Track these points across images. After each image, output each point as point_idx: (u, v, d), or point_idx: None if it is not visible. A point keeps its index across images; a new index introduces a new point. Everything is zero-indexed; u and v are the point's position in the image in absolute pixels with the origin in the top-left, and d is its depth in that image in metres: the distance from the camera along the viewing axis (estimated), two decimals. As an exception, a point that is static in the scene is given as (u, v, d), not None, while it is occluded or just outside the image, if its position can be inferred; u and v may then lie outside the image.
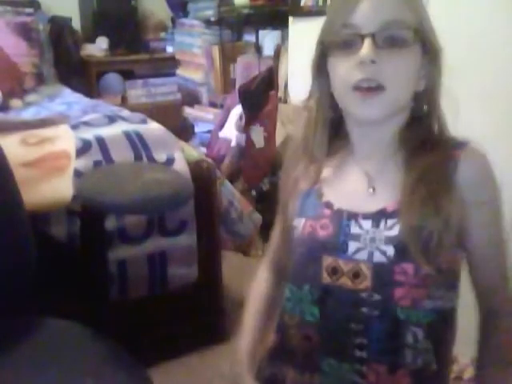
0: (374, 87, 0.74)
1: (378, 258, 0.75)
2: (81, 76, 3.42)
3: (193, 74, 3.45)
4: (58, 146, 1.68)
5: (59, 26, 3.35)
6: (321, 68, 0.81)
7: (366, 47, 0.73)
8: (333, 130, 0.85)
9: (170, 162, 1.70)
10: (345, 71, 0.76)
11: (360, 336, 0.77)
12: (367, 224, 0.77)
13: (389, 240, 0.75)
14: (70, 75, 3.26)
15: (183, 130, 3.22)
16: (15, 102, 2.68)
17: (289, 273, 0.86)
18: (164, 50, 3.74)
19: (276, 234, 0.98)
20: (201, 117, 3.41)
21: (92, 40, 3.49)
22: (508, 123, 1.59)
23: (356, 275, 0.76)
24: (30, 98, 2.77)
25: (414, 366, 0.77)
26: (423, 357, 0.77)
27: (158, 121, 1.97)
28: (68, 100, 2.68)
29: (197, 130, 3.42)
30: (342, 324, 0.78)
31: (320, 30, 0.81)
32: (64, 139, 1.73)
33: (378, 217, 0.77)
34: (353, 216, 0.78)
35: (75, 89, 2.97)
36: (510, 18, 1.55)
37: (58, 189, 1.52)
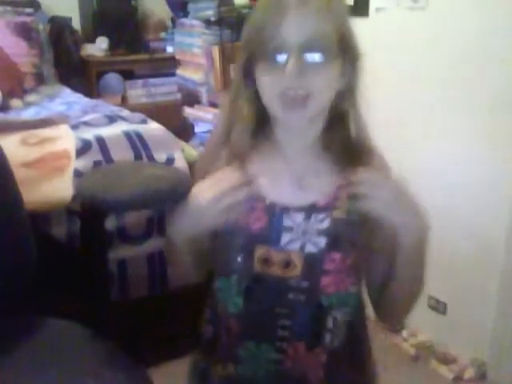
0: (300, 96, 0.77)
1: (310, 248, 0.81)
2: (81, 76, 3.41)
3: (193, 74, 3.45)
4: (58, 146, 1.69)
5: (59, 26, 3.35)
6: (248, 71, 0.83)
7: (292, 62, 0.76)
8: (256, 124, 0.86)
9: (169, 161, 1.71)
10: (272, 79, 0.79)
11: (284, 318, 0.83)
12: (299, 217, 0.81)
13: (320, 232, 0.81)
14: (70, 75, 3.26)
15: (183, 130, 3.22)
16: (15, 102, 2.68)
17: (216, 264, 0.88)
18: (164, 50, 3.74)
19: None
20: (201, 117, 3.41)
21: (92, 40, 3.49)
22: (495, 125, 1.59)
23: (287, 264, 0.82)
24: (30, 98, 2.77)
25: (330, 346, 0.84)
26: (339, 339, 0.85)
27: (158, 121, 1.97)
28: (68, 100, 2.68)
29: (197, 130, 3.42)
30: (266, 309, 0.83)
31: (245, 33, 0.85)
32: (64, 139, 1.73)
33: (310, 211, 0.81)
34: (285, 209, 0.82)
35: (75, 89, 2.97)
36: (509, 18, 1.55)
37: (58, 189, 1.52)
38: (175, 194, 1.24)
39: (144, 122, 1.92)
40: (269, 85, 0.79)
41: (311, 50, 0.77)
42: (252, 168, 0.84)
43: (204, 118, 3.37)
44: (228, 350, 0.87)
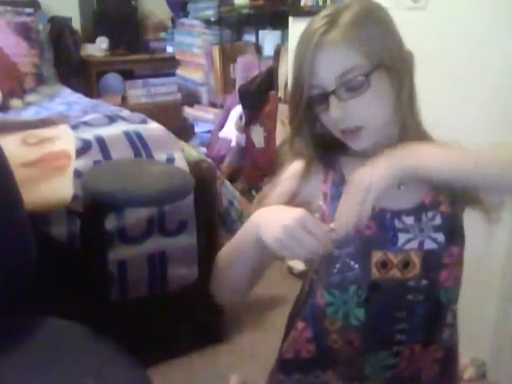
0: (355, 130, 0.80)
1: (430, 245, 0.81)
2: (81, 76, 3.41)
3: (193, 73, 3.45)
4: (58, 146, 1.69)
5: (59, 26, 3.35)
6: (307, 113, 0.83)
7: (333, 107, 0.78)
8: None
9: (169, 161, 1.71)
10: (328, 122, 0.82)
11: (402, 321, 0.81)
12: (410, 220, 0.81)
13: (436, 228, 0.81)
14: (70, 75, 3.26)
15: (183, 130, 3.22)
16: (15, 102, 2.68)
17: (324, 277, 0.85)
18: (164, 50, 3.74)
19: None
20: (201, 117, 3.42)
21: (92, 40, 3.49)
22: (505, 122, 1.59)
23: (405, 265, 0.81)
24: (30, 98, 2.77)
25: (449, 341, 0.85)
26: (457, 332, 0.86)
27: (158, 121, 1.97)
28: (68, 100, 2.68)
29: (197, 130, 3.42)
30: (387, 316, 0.82)
31: (291, 87, 0.84)
32: (64, 139, 1.73)
33: (419, 211, 0.81)
34: (396, 214, 0.81)
35: (75, 89, 2.97)
36: (509, 18, 1.55)
37: (58, 189, 1.52)
38: (186, 189, 1.25)
39: (144, 122, 1.92)
40: (329, 126, 0.82)
41: (346, 86, 0.77)
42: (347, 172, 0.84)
43: (204, 118, 3.38)
44: (350, 366, 0.85)
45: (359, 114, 0.78)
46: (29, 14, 3.16)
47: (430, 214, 0.81)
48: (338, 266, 0.82)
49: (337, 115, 0.78)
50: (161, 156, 1.70)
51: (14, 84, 2.76)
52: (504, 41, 1.56)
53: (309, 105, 0.81)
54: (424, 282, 0.80)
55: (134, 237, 1.64)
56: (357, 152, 0.85)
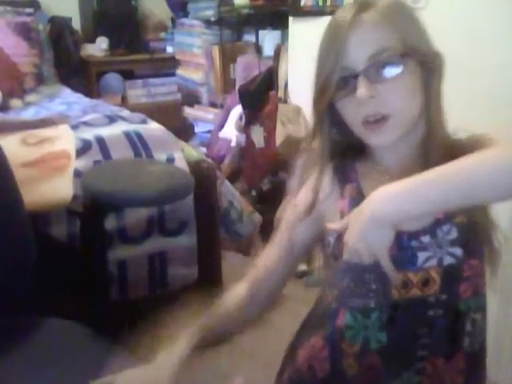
0: (380, 119, 0.77)
1: (449, 260, 0.78)
2: (81, 76, 3.42)
3: (193, 73, 3.45)
4: (58, 146, 1.68)
5: (59, 26, 3.35)
6: (328, 109, 0.82)
7: (361, 86, 0.75)
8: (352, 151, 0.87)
9: (169, 161, 1.71)
10: (350, 110, 0.79)
11: (424, 337, 0.79)
12: (427, 238, 0.78)
13: (453, 242, 0.78)
14: (70, 75, 3.26)
15: (183, 130, 3.22)
16: (15, 102, 2.68)
17: (347, 299, 0.84)
18: (164, 50, 3.74)
19: (274, 253, 0.93)
20: (201, 117, 3.42)
21: (92, 40, 3.49)
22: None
23: (425, 283, 0.79)
24: (30, 98, 2.77)
25: (470, 350, 0.81)
26: (479, 341, 0.83)
27: (158, 121, 1.97)
28: (68, 100, 2.68)
29: (197, 130, 3.42)
30: (408, 335, 0.79)
31: (315, 76, 0.81)
32: (64, 139, 1.73)
33: (435, 227, 0.77)
34: (413, 235, 0.78)
35: (75, 89, 2.97)
36: (510, 18, 1.55)
37: (58, 189, 1.52)
38: (186, 189, 1.25)
39: (144, 122, 1.92)
40: (350, 114, 0.79)
41: (378, 66, 0.75)
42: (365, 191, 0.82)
43: (204, 118, 3.38)
44: None
45: (388, 100, 0.76)
46: (29, 14, 3.16)
47: (445, 228, 0.78)
48: (360, 289, 0.81)
49: (364, 94, 0.74)
50: (161, 156, 1.70)
51: (14, 84, 2.76)
52: (504, 41, 1.56)
53: (333, 95, 0.78)
54: (444, 296, 0.79)
55: (134, 237, 1.64)
56: (374, 158, 0.84)
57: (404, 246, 0.78)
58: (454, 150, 0.77)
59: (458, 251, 0.78)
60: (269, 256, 0.94)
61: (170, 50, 3.70)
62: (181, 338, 0.89)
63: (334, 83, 0.77)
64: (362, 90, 0.75)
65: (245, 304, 0.93)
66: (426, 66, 0.78)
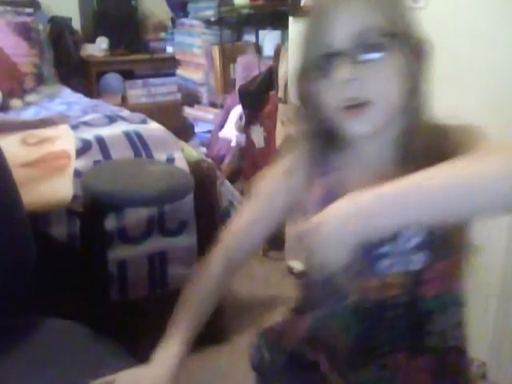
0: (362, 103, 0.71)
1: (411, 267, 0.75)
2: (81, 76, 3.41)
3: (193, 73, 3.45)
4: (58, 146, 1.68)
5: (59, 26, 3.35)
6: (308, 94, 0.77)
7: (343, 66, 0.70)
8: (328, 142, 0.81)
9: (169, 161, 1.71)
10: (331, 93, 0.73)
11: (385, 335, 0.78)
12: (386, 248, 0.75)
13: (418, 248, 0.74)
14: (70, 75, 3.26)
15: (183, 130, 3.22)
16: (15, 102, 2.68)
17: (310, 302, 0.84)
18: (164, 50, 3.74)
19: (247, 219, 0.90)
20: (201, 117, 3.41)
21: (92, 40, 3.49)
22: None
23: (385, 288, 0.76)
24: (30, 98, 2.77)
25: (438, 349, 0.79)
26: (449, 338, 0.81)
27: (158, 121, 1.97)
28: (68, 100, 2.68)
29: (197, 130, 3.42)
30: (369, 334, 0.79)
31: (299, 55, 0.78)
32: (64, 139, 1.73)
33: (394, 236, 0.74)
34: (372, 246, 0.74)
35: (75, 89, 2.97)
36: (510, 18, 1.55)
37: (58, 189, 1.52)
38: (186, 189, 1.25)
39: (144, 122, 1.92)
40: (330, 99, 0.73)
41: (362, 47, 0.69)
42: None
43: (204, 118, 3.38)
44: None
45: (371, 84, 0.70)
46: (29, 14, 3.16)
47: (407, 235, 0.73)
48: (318, 294, 0.81)
49: (346, 75, 0.69)
50: (161, 156, 1.70)
51: (14, 84, 2.76)
52: (505, 40, 1.56)
53: (314, 74, 0.73)
54: (404, 298, 0.76)
55: (134, 237, 1.64)
56: (353, 151, 0.79)
57: (363, 256, 0.70)
58: (438, 138, 0.73)
59: (422, 257, 0.74)
60: (244, 218, 0.91)
61: (169, 49, 3.70)
62: (172, 335, 0.88)
63: (315, 60, 0.72)
64: (344, 70, 0.69)
65: (222, 278, 0.91)
66: (414, 52, 0.73)
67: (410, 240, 0.73)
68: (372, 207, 0.59)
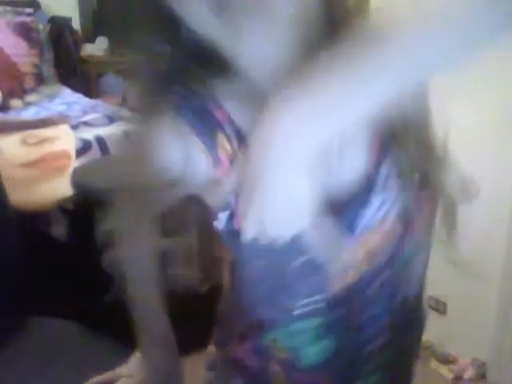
0: None
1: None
2: (81, 76, 3.41)
3: (193, 74, 3.45)
4: (58, 146, 1.69)
5: (59, 26, 3.35)
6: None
7: None
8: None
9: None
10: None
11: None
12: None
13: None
14: (70, 75, 3.26)
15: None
16: (15, 102, 2.68)
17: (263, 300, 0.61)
18: (164, 49, 3.75)
19: None
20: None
21: (92, 40, 3.49)
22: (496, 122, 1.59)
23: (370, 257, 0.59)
24: (30, 98, 2.77)
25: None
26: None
27: (158, 121, 1.97)
28: (68, 100, 2.68)
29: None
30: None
31: None
32: (64, 139, 1.73)
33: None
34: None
35: (75, 89, 2.97)
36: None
37: (58, 189, 1.52)
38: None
39: (144, 121, 1.92)
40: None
41: None
42: None
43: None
44: None
45: None
46: (29, 14, 3.16)
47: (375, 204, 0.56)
48: (285, 284, 0.57)
49: None
50: (161, 156, 1.70)
51: (13, 84, 2.76)
52: (504, 40, 1.56)
53: None
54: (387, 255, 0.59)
55: (134, 237, 1.64)
56: (242, 78, 0.51)
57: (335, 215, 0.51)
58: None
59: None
60: None
61: (170, 49, 3.71)
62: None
63: None
64: None
65: None
66: None
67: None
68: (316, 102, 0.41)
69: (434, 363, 1.86)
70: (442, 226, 0.63)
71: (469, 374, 1.78)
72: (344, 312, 0.58)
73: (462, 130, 1.71)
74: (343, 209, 0.53)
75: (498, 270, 1.65)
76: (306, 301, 0.56)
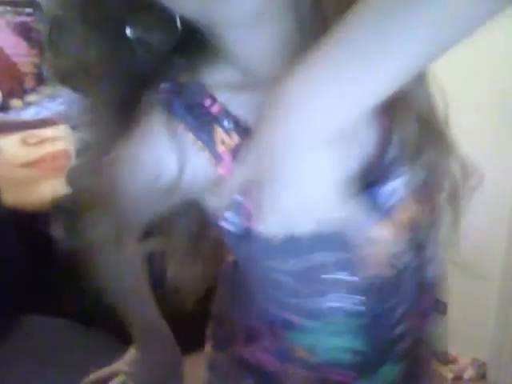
0: None
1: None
2: (81, 76, 3.42)
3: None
4: (58, 146, 1.69)
5: (59, 26, 3.35)
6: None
7: None
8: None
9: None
10: None
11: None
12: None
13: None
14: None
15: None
16: (15, 102, 2.68)
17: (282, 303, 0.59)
18: (164, 50, 3.75)
19: None
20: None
21: (92, 40, 3.49)
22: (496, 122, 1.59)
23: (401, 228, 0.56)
24: (30, 98, 2.77)
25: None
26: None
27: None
28: (68, 100, 2.68)
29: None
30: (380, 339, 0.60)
31: None
32: (64, 139, 1.73)
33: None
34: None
35: (75, 89, 2.97)
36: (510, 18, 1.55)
37: (58, 189, 1.52)
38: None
39: (144, 121, 1.92)
40: None
41: None
42: None
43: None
44: None
45: None
46: (29, 14, 3.16)
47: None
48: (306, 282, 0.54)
49: None
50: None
51: (13, 84, 2.76)
52: (505, 40, 1.56)
53: None
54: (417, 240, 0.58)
55: (134, 237, 1.64)
56: (230, 68, 0.48)
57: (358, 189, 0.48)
58: None
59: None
60: None
61: (170, 50, 3.71)
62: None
63: None
64: None
65: None
66: None
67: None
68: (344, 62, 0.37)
69: (433, 363, 1.86)
70: (447, 213, 0.61)
71: (469, 373, 1.78)
72: (370, 305, 0.55)
73: (462, 129, 1.71)
74: (364, 187, 0.49)
75: (498, 270, 1.65)
76: (329, 297, 0.53)
